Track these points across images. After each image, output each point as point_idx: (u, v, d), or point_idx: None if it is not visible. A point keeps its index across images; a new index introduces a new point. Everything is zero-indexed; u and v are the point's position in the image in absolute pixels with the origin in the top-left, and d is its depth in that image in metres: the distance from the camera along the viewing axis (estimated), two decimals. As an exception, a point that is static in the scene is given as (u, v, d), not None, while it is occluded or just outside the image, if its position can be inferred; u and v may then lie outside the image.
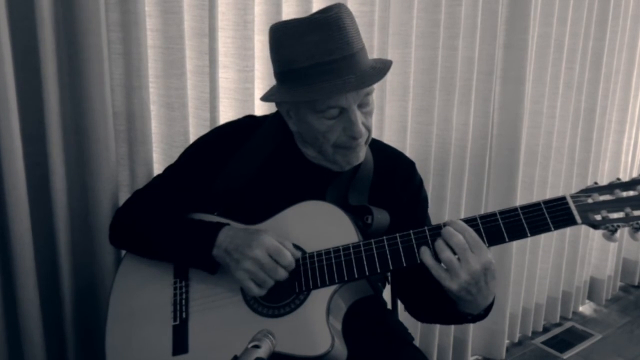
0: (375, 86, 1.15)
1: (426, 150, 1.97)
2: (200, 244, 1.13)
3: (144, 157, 1.46)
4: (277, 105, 1.22)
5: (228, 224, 1.15)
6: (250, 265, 1.07)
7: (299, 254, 1.10)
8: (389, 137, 1.90)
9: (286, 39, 1.09)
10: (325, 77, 1.07)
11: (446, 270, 1.02)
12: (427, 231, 1.07)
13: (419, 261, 1.06)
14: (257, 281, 1.08)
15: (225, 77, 1.56)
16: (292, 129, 1.22)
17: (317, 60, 1.06)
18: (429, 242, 1.06)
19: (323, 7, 1.12)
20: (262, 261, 1.06)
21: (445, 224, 1.04)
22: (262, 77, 1.61)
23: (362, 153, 1.20)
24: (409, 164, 1.33)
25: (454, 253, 1.01)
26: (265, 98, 1.20)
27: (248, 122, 1.30)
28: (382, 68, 1.12)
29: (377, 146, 1.26)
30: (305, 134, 1.19)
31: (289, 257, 1.08)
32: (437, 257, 1.03)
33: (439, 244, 1.02)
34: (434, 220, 1.95)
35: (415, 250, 1.06)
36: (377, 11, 1.73)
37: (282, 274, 1.07)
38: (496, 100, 2.17)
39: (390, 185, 1.27)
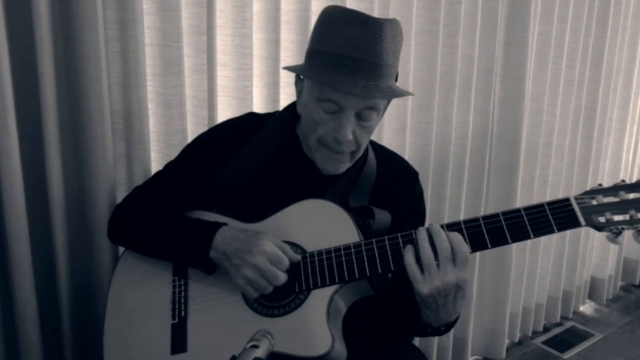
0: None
1: (426, 149, 1.96)
2: (196, 244, 1.12)
3: (142, 156, 1.45)
4: (295, 83, 1.21)
5: (225, 224, 1.14)
6: (251, 273, 1.06)
7: (299, 257, 1.10)
8: (388, 136, 1.89)
9: (329, 22, 1.10)
10: (339, 69, 1.06)
11: (421, 272, 1.02)
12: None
13: None
14: (257, 288, 1.08)
15: (224, 76, 1.55)
16: (298, 111, 1.21)
17: (341, 51, 1.06)
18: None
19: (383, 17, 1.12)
20: (262, 268, 1.06)
21: (442, 227, 1.04)
22: (261, 75, 1.60)
23: (343, 165, 1.19)
24: (412, 174, 1.33)
25: (436, 258, 1.01)
26: (287, 67, 1.19)
27: (250, 120, 1.29)
28: (395, 92, 1.10)
29: (382, 152, 1.26)
30: (303, 119, 1.19)
31: (287, 264, 1.08)
32: (417, 257, 1.03)
33: (424, 243, 1.02)
34: (434, 219, 1.97)
35: None
36: (376, 9, 1.73)
37: (283, 279, 1.07)
38: (496, 98, 2.16)
39: (391, 193, 1.26)
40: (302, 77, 1.17)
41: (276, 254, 1.07)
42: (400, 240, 1.07)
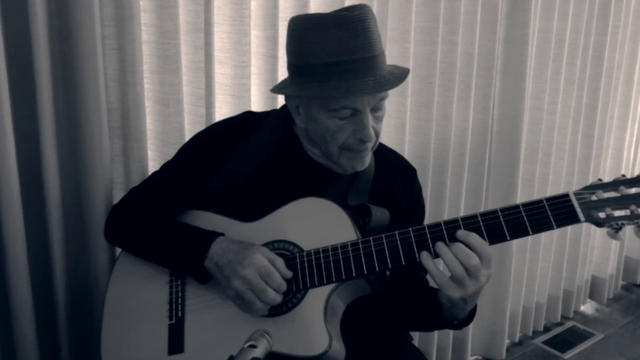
0: (390, 92, 1.14)
1: (425, 147, 1.95)
2: (192, 254, 1.12)
3: (139, 154, 1.44)
4: (286, 99, 1.20)
5: (222, 234, 1.13)
6: (239, 285, 1.05)
7: (290, 273, 1.08)
8: (387, 134, 1.88)
9: (308, 32, 1.08)
10: (344, 76, 1.06)
11: (450, 279, 1.01)
12: (426, 229, 1.05)
13: (418, 260, 1.04)
14: (245, 301, 1.06)
15: (221, 73, 1.54)
16: (299, 125, 1.20)
17: (338, 57, 1.05)
18: (429, 240, 1.04)
19: (348, 5, 1.10)
20: (251, 281, 1.04)
21: (458, 237, 1.01)
22: (259, 73, 1.59)
23: (368, 159, 1.19)
24: (411, 171, 1.33)
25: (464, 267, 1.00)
26: (277, 90, 1.18)
27: (247, 119, 1.28)
28: (399, 74, 1.11)
29: (380, 149, 1.25)
30: (312, 132, 1.17)
31: (278, 280, 1.05)
32: (435, 254, 1.02)
33: (451, 260, 1.00)
34: (433, 218, 1.96)
35: (415, 248, 1.04)
36: (375, 5, 1.72)
37: (271, 297, 1.04)
38: (496, 96, 2.15)
39: (389, 191, 1.26)
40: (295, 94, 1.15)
41: (266, 268, 1.05)
42: (397, 238, 1.06)
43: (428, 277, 1.22)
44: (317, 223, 1.12)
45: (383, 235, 1.07)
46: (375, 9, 1.71)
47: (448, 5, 1.87)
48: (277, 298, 1.05)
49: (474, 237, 1.01)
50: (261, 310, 1.06)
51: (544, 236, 2.48)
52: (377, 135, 1.16)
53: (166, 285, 1.18)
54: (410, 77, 1.85)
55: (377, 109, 1.13)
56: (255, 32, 1.55)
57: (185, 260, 1.13)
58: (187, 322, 1.14)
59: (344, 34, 1.05)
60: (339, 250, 1.08)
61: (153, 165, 1.50)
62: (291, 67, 1.15)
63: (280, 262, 1.08)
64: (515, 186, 2.22)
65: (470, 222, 1.03)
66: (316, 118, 1.13)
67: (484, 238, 1.02)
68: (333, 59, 1.05)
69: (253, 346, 0.80)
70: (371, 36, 1.07)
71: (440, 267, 1.04)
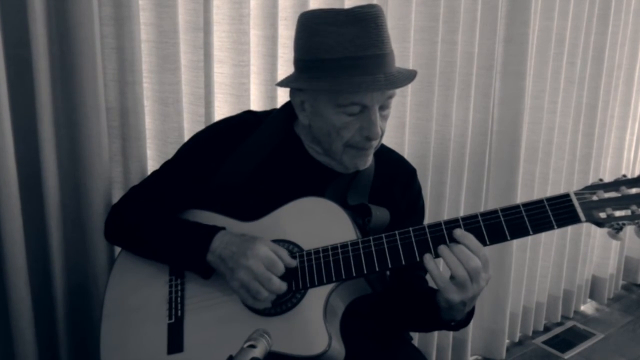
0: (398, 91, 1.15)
1: (425, 147, 1.95)
2: (194, 248, 1.12)
3: (138, 154, 1.44)
4: (291, 95, 1.19)
5: (223, 228, 1.13)
6: (244, 275, 1.05)
7: (294, 262, 1.08)
8: (387, 133, 1.85)
9: (320, 27, 1.08)
10: (355, 72, 1.06)
11: (452, 282, 1.01)
12: (426, 228, 1.05)
13: (418, 259, 1.04)
14: (251, 292, 1.06)
15: (221, 72, 1.54)
16: (302, 122, 1.19)
17: (350, 53, 1.05)
18: (429, 240, 1.04)
19: (361, 5, 1.10)
20: (256, 271, 1.04)
21: (455, 237, 1.01)
22: (258, 72, 1.59)
23: (370, 157, 1.19)
24: (410, 171, 1.33)
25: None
26: (284, 84, 1.17)
27: (247, 118, 1.28)
28: (408, 74, 1.12)
29: (380, 149, 1.25)
30: (316, 129, 1.17)
31: (282, 269, 1.06)
32: (436, 255, 1.02)
33: (454, 262, 1.00)
34: (433, 218, 1.95)
35: (415, 248, 1.04)
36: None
37: (277, 285, 1.05)
38: (496, 95, 2.15)
39: (389, 190, 1.26)
40: (301, 89, 1.15)
41: (270, 258, 1.05)
42: (397, 237, 1.06)
43: (427, 277, 1.22)
44: (317, 223, 1.12)
45: (383, 235, 1.07)
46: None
47: (448, 4, 1.87)
48: (282, 286, 1.05)
49: (470, 240, 1.01)
50: (267, 300, 1.06)
51: (544, 236, 2.48)
52: (382, 133, 1.16)
53: (165, 285, 1.18)
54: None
55: (384, 107, 1.13)
56: (254, 31, 1.55)
57: (188, 255, 1.13)
58: (187, 322, 1.13)
59: (357, 30, 1.05)
60: (339, 250, 1.08)
61: (152, 164, 1.50)
62: (299, 62, 1.14)
63: (284, 252, 1.08)
64: (515, 186, 2.22)
65: (471, 222, 1.03)
66: (322, 114, 1.13)
67: (484, 238, 1.02)
68: (345, 54, 1.05)
69: (252, 346, 0.80)
70: (382, 34, 1.08)
71: (440, 267, 1.04)
